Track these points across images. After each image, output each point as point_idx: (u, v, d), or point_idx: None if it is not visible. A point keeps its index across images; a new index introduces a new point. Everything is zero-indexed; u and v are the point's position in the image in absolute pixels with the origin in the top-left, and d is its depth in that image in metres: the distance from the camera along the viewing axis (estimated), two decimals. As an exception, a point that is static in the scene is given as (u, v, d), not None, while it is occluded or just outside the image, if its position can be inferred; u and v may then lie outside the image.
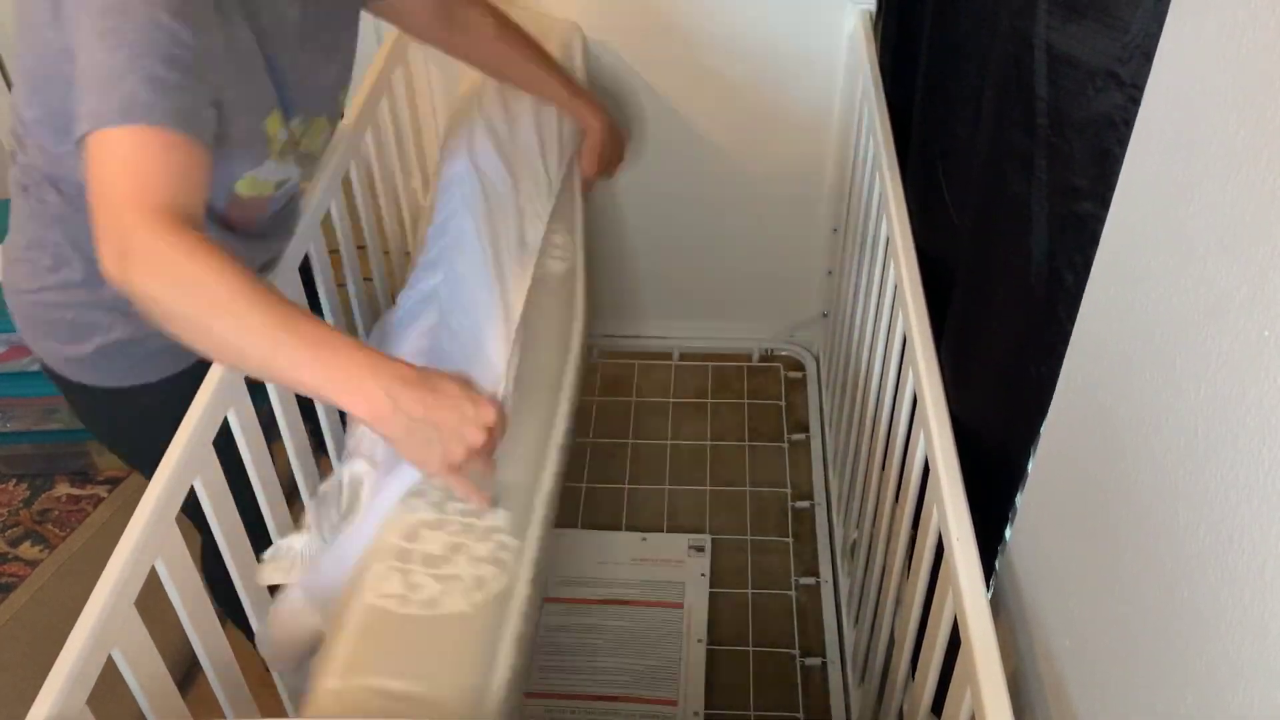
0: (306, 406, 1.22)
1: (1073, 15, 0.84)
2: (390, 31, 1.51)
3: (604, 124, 1.50)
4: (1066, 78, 0.87)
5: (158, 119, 0.82)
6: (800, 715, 1.58)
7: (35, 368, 1.83)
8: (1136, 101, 0.75)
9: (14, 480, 2.03)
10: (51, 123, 0.96)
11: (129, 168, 0.81)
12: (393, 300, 1.25)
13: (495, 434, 0.89)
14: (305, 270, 1.23)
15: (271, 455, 1.12)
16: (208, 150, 0.87)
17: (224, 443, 1.02)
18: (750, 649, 1.67)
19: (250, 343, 0.81)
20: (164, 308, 0.80)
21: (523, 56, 1.40)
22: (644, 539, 1.84)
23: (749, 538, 1.84)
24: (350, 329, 1.38)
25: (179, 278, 0.79)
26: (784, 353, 2.20)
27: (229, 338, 0.81)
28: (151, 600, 0.89)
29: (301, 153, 1.11)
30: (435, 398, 0.84)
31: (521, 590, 0.98)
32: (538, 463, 1.10)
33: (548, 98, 1.45)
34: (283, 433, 1.17)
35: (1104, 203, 0.81)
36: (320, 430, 1.28)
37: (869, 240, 1.43)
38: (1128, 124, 0.77)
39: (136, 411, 1.14)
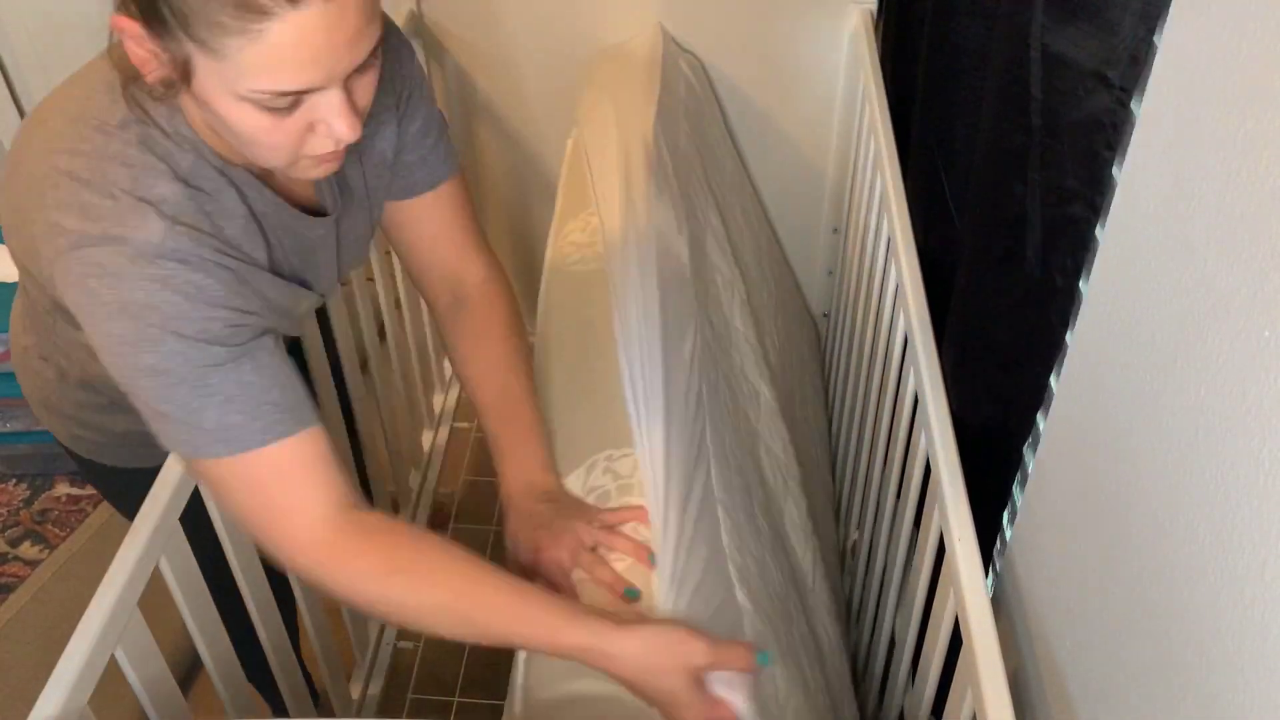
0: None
1: (1067, 17, 0.84)
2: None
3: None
4: (1060, 79, 0.87)
5: (259, 440, 0.74)
6: (801, 715, 1.57)
7: (36, 368, 1.82)
8: (1125, 104, 0.75)
9: (14, 480, 2.03)
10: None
11: (258, 497, 0.77)
12: (398, 304, 1.12)
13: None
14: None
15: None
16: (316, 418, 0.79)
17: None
18: (751, 649, 1.66)
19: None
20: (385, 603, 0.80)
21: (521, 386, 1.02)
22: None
23: (749, 537, 1.83)
24: (356, 328, 1.38)
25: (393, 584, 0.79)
26: (784, 352, 2.20)
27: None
28: (153, 600, 0.90)
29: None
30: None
31: None
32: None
33: (513, 449, 1.00)
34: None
35: (1093, 205, 0.81)
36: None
37: (870, 240, 1.43)
38: (1116, 127, 0.77)
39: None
